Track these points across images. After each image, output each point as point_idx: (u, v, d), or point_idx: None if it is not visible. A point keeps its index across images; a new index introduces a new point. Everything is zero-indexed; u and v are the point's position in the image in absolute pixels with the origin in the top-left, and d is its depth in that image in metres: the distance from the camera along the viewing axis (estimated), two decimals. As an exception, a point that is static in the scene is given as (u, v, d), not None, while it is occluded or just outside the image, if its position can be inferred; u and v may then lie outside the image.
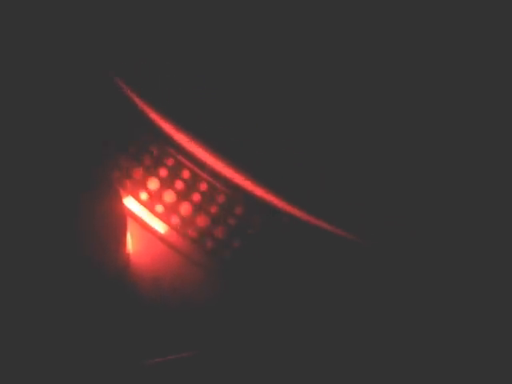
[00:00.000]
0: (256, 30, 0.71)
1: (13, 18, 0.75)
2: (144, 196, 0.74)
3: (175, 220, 0.73)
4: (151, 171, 0.74)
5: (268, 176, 0.67)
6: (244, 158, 0.68)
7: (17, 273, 0.59)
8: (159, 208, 0.74)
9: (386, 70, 0.69)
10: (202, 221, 0.72)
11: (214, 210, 0.72)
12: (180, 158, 0.73)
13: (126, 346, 0.69)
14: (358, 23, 0.70)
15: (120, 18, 0.73)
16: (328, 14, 0.70)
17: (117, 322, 0.69)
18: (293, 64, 0.70)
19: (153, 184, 0.74)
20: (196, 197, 0.73)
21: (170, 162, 0.73)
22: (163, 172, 0.74)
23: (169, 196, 0.73)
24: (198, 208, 0.73)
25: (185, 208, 0.73)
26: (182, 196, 0.73)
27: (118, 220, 0.68)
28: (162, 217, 0.74)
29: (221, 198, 0.72)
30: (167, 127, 0.72)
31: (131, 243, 0.75)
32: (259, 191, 0.69)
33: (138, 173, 0.74)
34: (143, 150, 0.74)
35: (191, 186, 0.73)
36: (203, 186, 0.72)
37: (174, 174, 0.73)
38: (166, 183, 0.74)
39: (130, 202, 0.75)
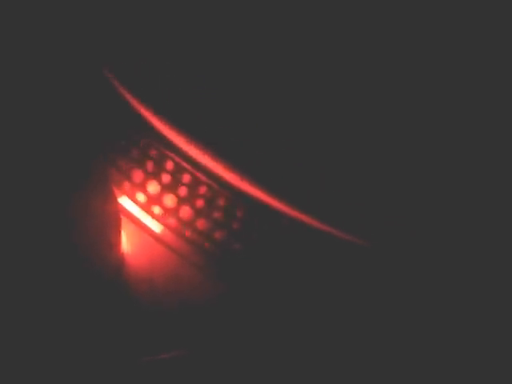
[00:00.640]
0: (256, 29, 0.71)
1: (13, 17, 0.74)
2: (141, 197, 0.74)
3: (173, 222, 0.73)
4: (151, 174, 0.73)
5: (268, 177, 0.68)
6: (244, 159, 0.68)
7: (9, 272, 0.58)
8: (157, 210, 0.73)
9: (385, 70, 0.70)
10: (201, 224, 0.72)
11: (214, 213, 0.72)
12: (178, 159, 0.72)
13: (120, 348, 0.68)
14: (357, 23, 0.70)
15: (127, 25, 0.73)
16: (327, 14, 0.71)
17: (111, 323, 0.69)
18: (292, 64, 0.70)
19: (152, 187, 0.74)
20: (197, 201, 0.72)
21: (170, 165, 0.73)
22: (164, 177, 0.73)
23: (169, 199, 0.73)
24: (198, 212, 0.72)
25: (184, 211, 0.73)
26: (182, 200, 0.73)
27: (112, 219, 0.68)
28: (159, 219, 0.73)
29: (221, 201, 0.72)
30: (167, 131, 0.72)
31: (126, 243, 0.74)
32: (259, 193, 0.69)
33: (138, 175, 0.74)
34: (143, 153, 0.74)
35: (192, 188, 0.73)
36: (203, 189, 0.72)
37: (174, 176, 0.73)
38: (166, 187, 0.73)
39: (125, 202, 0.75)
